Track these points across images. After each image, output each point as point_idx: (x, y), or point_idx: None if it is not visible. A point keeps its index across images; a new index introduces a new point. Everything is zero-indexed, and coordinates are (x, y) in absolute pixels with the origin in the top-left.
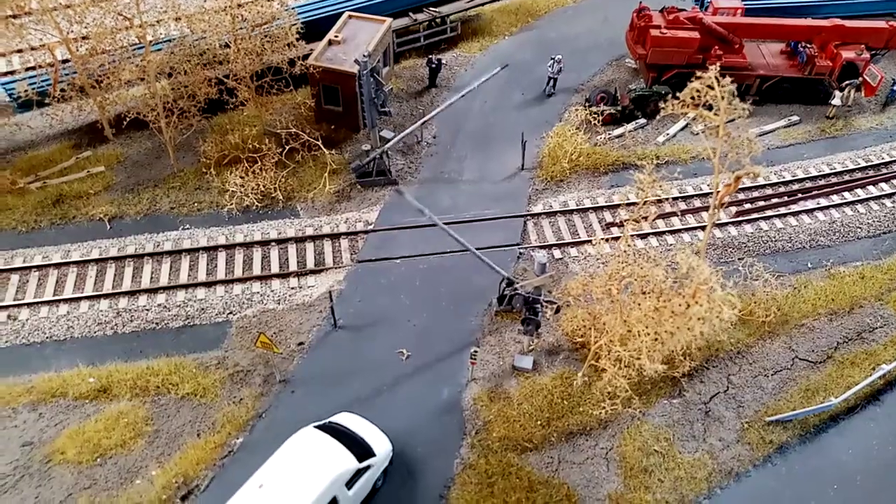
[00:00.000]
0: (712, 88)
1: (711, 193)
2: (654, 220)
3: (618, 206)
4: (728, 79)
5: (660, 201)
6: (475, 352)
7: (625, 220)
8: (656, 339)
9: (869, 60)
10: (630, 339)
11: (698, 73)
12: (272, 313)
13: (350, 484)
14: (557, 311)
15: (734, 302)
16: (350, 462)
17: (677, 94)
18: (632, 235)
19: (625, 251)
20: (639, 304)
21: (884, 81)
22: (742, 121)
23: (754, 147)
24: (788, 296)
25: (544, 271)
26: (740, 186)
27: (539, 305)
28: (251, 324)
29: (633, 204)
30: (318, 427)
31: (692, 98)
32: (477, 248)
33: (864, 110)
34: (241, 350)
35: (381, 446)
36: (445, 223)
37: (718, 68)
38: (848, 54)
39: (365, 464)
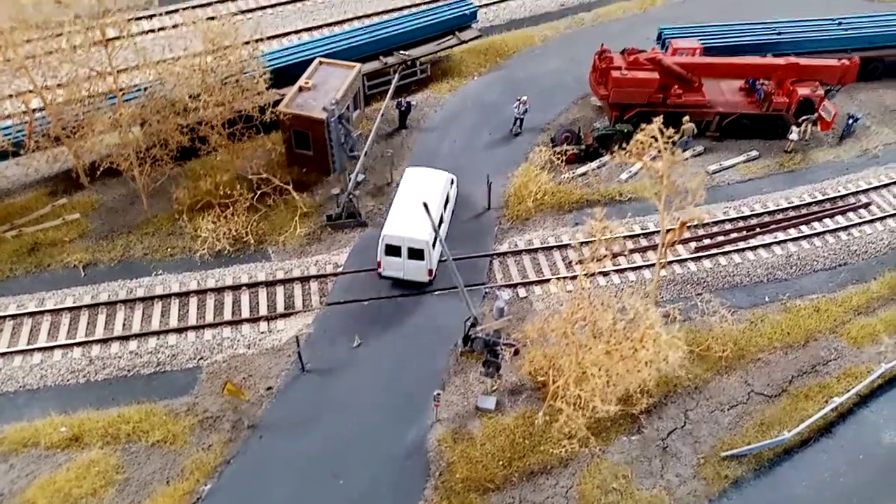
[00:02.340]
0: (657, 139)
1: (667, 233)
2: (613, 257)
3: (581, 243)
4: (671, 129)
5: (614, 243)
6: (438, 394)
7: (580, 261)
8: (608, 382)
9: (824, 96)
10: (584, 381)
11: (642, 126)
12: (242, 358)
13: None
14: (516, 353)
15: (679, 346)
16: (448, 176)
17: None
18: (592, 274)
19: (579, 293)
20: (590, 348)
21: (838, 116)
22: (702, 157)
23: (698, 194)
24: (745, 330)
25: (503, 315)
26: (699, 223)
27: (499, 348)
28: (221, 369)
29: (589, 242)
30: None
31: (637, 150)
32: (444, 289)
33: (822, 144)
34: (210, 396)
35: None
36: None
37: (661, 120)
38: (803, 91)
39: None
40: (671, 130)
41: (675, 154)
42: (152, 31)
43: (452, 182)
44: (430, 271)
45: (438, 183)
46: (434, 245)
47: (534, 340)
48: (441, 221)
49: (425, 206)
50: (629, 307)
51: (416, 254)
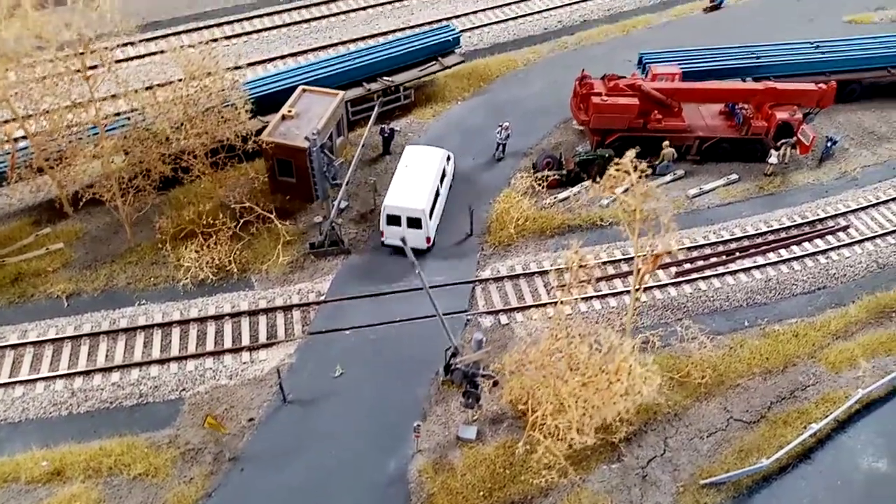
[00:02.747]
0: (630, 173)
1: (640, 262)
2: (597, 281)
3: (558, 275)
4: (644, 163)
5: (590, 274)
6: (418, 426)
7: (560, 286)
8: (585, 413)
9: (802, 120)
10: (562, 412)
11: (616, 161)
12: (224, 389)
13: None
14: (495, 384)
15: (653, 379)
16: (445, 152)
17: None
18: (575, 299)
19: (557, 325)
20: (566, 381)
21: (816, 140)
22: (683, 181)
23: (671, 228)
24: (724, 356)
25: (481, 347)
26: (679, 248)
27: (478, 379)
28: (203, 400)
29: (567, 272)
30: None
31: (610, 183)
32: (426, 317)
33: (801, 166)
34: (192, 428)
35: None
36: (395, 291)
37: (636, 154)
38: (782, 115)
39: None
40: (644, 164)
41: (648, 188)
42: (137, 57)
43: (449, 158)
44: (428, 238)
45: (435, 158)
46: (431, 215)
47: (512, 372)
48: (437, 195)
49: (403, 240)
50: (604, 340)
51: (414, 222)
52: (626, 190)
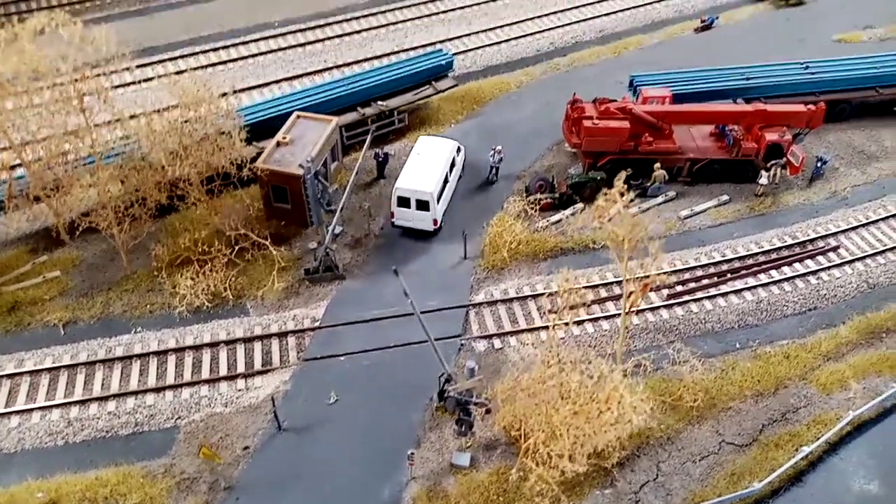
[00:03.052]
0: (618, 200)
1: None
2: (588, 306)
3: (550, 304)
4: (632, 193)
5: (581, 301)
6: (412, 453)
7: (551, 310)
8: (576, 442)
9: (792, 141)
10: (554, 440)
11: (605, 191)
12: (219, 417)
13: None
14: (488, 412)
15: (643, 409)
16: (455, 144)
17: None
18: (567, 324)
19: (548, 352)
20: (557, 409)
21: (806, 160)
22: (674, 202)
23: (659, 257)
24: (716, 378)
25: (474, 375)
26: (672, 269)
27: (471, 406)
28: (198, 429)
29: (558, 298)
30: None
31: (599, 213)
32: (420, 342)
33: (792, 186)
34: (187, 457)
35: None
36: (389, 317)
37: (625, 179)
38: (771, 136)
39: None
40: (632, 194)
41: (635, 218)
42: (133, 83)
43: (459, 150)
44: (435, 221)
45: (445, 149)
46: (439, 199)
47: (504, 400)
48: (446, 181)
49: (395, 271)
50: (594, 368)
51: (422, 205)
52: (610, 219)
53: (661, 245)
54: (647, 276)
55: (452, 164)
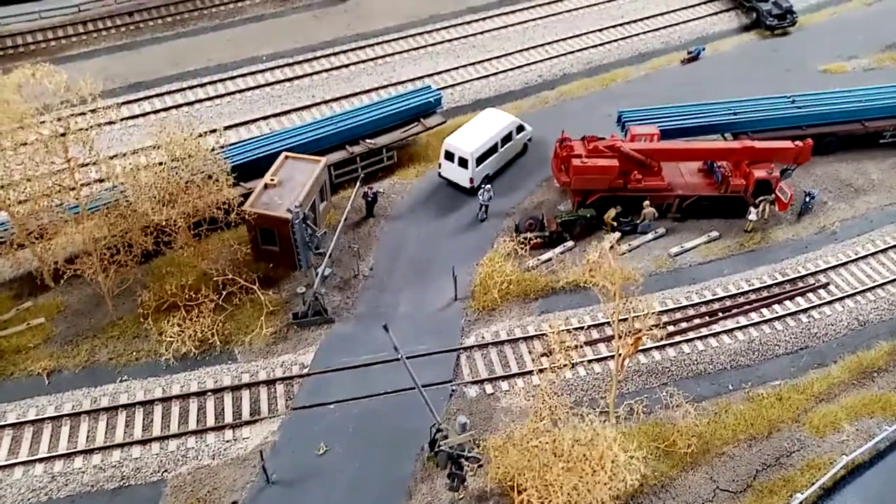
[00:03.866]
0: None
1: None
2: (580, 347)
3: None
4: (618, 244)
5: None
6: None
7: (543, 354)
8: (569, 500)
9: (780, 178)
10: (547, 498)
11: (594, 242)
12: (206, 469)
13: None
14: (480, 466)
15: (637, 467)
16: (516, 120)
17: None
18: (558, 370)
19: (540, 403)
20: (550, 467)
21: (794, 197)
22: (664, 239)
23: (651, 310)
24: (710, 422)
25: (465, 430)
26: (664, 309)
27: (463, 460)
28: (186, 482)
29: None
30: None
31: (590, 270)
32: (410, 388)
33: (781, 222)
34: None
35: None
36: (380, 362)
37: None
38: (759, 173)
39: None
40: (625, 248)
41: (624, 271)
42: (122, 120)
43: (522, 128)
44: (471, 180)
45: (502, 121)
46: (479, 163)
47: (496, 455)
48: (494, 150)
49: (385, 327)
50: (587, 427)
51: (463, 162)
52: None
53: (651, 304)
54: (639, 332)
55: (508, 138)
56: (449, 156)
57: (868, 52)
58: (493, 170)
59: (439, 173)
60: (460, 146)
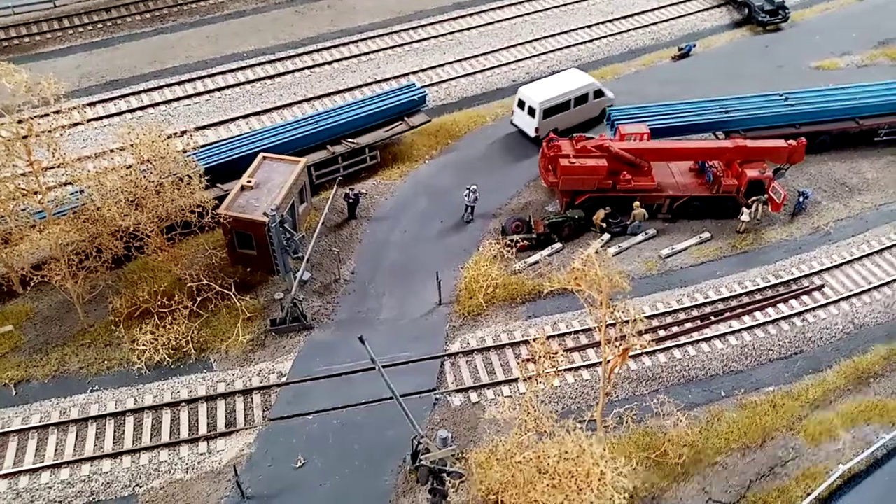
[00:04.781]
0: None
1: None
2: (568, 353)
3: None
4: (615, 248)
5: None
6: None
7: (528, 359)
8: None
9: (773, 178)
10: None
11: (578, 255)
12: (180, 484)
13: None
14: (462, 481)
15: (626, 486)
16: (594, 83)
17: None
18: (545, 380)
19: (526, 415)
20: (534, 485)
21: (787, 197)
22: (655, 240)
23: (639, 321)
24: (702, 431)
25: (446, 445)
26: (655, 313)
27: (444, 475)
28: (158, 497)
29: (535, 358)
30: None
31: (575, 279)
32: (390, 397)
33: (774, 222)
34: None
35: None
36: (360, 370)
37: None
38: (752, 173)
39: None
40: (614, 249)
41: (611, 279)
42: (95, 119)
43: (601, 93)
44: (536, 129)
45: (579, 81)
46: (546, 115)
47: (480, 468)
48: (566, 107)
49: (361, 339)
50: (571, 445)
51: (531, 111)
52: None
53: (641, 316)
54: (628, 346)
55: (583, 99)
56: (521, 104)
57: (861, 49)
58: (563, 126)
59: (511, 121)
60: (531, 95)
